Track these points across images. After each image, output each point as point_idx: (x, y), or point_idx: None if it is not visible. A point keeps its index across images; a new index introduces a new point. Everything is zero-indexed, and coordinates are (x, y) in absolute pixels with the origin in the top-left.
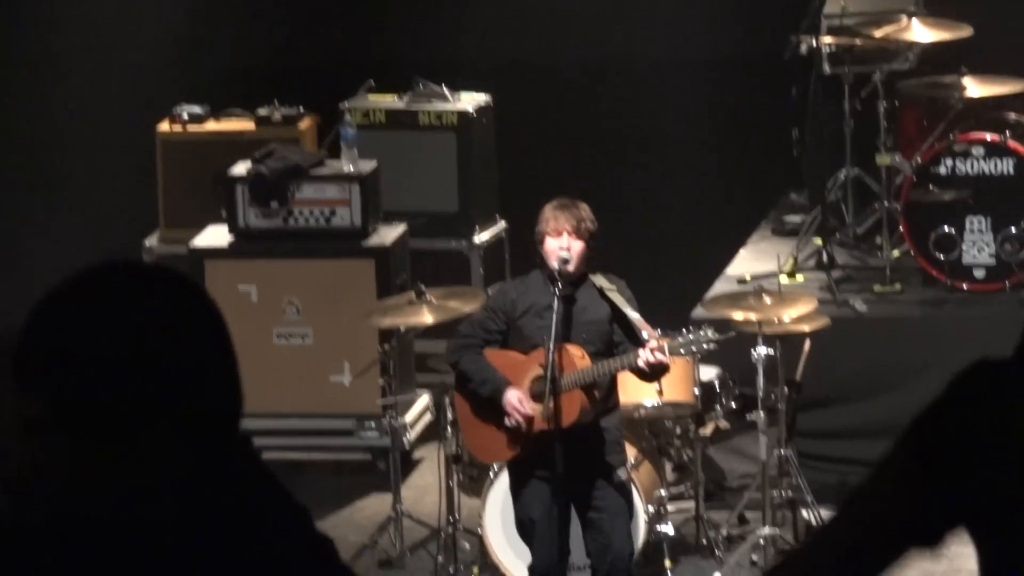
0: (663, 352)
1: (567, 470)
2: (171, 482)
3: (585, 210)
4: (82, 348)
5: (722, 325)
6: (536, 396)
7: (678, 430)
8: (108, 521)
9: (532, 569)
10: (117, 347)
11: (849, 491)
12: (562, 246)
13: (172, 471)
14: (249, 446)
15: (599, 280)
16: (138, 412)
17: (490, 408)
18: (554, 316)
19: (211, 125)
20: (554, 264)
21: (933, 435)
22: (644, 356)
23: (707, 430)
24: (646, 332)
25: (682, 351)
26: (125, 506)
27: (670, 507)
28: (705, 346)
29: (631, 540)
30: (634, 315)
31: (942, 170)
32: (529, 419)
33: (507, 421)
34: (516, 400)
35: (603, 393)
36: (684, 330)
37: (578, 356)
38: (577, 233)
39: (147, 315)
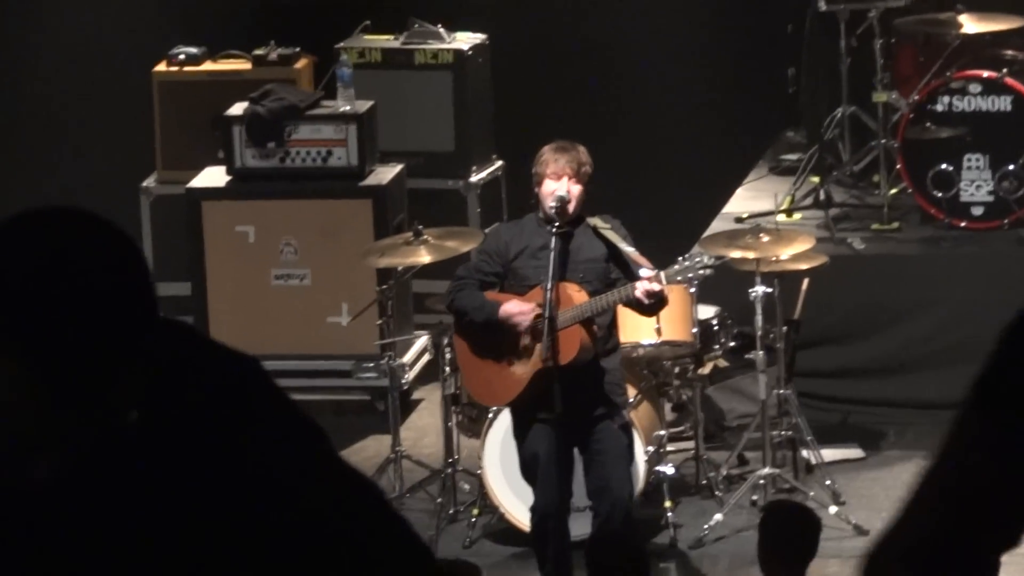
0: (660, 282)
1: (568, 411)
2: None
3: (584, 153)
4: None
5: (721, 269)
6: (534, 335)
7: (677, 369)
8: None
9: (534, 509)
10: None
11: (924, 475)
12: (560, 189)
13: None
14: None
15: (594, 220)
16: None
17: (491, 350)
18: (551, 255)
19: (207, 66)
20: (550, 204)
21: (1006, 392)
22: (641, 287)
23: (706, 369)
24: (643, 265)
25: (679, 278)
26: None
27: (669, 447)
28: (701, 271)
29: (631, 481)
30: (629, 249)
31: (939, 107)
32: (538, 314)
33: (519, 324)
34: (515, 306)
35: (602, 331)
36: (680, 258)
37: (575, 291)
38: (577, 176)
39: (57, 252)
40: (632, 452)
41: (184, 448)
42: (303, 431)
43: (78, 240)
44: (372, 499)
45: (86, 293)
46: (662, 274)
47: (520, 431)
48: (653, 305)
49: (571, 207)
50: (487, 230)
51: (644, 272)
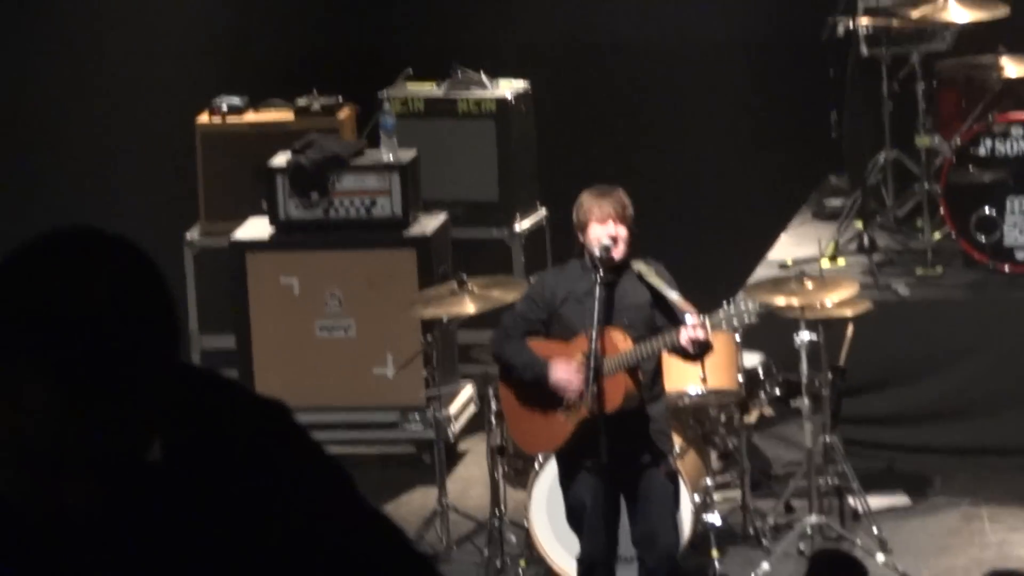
0: (705, 328)
1: (614, 459)
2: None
3: (624, 196)
4: (13, 318)
5: (766, 316)
6: (580, 394)
7: (723, 418)
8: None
9: (581, 559)
10: (50, 315)
11: None
12: (608, 233)
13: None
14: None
15: (638, 265)
16: (79, 379)
17: (536, 398)
18: (596, 302)
19: (250, 116)
20: (596, 251)
21: None
22: (686, 333)
23: (752, 417)
24: (688, 311)
25: (724, 325)
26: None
27: (716, 496)
28: (746, 318)
29: (678, 530)
30: (674, 295)
31: (981, 151)
32: (582, 390)
33: (567, 397)
34: (563, 371)
35: (648, 378)
36: (724, 304)
37: (620, 339)
38: (622, 219)
39: (77, 280)
40: (678, 500)
41: (205, 491)
42: (327, 475)
43: (97, 261)
44: (397, 542)
45: (109, 314)
46: (707, 320)
47: (566, 479)
48: (698, 352)
49: (618, 251)
50: (531, 278)
51: (689, 319)
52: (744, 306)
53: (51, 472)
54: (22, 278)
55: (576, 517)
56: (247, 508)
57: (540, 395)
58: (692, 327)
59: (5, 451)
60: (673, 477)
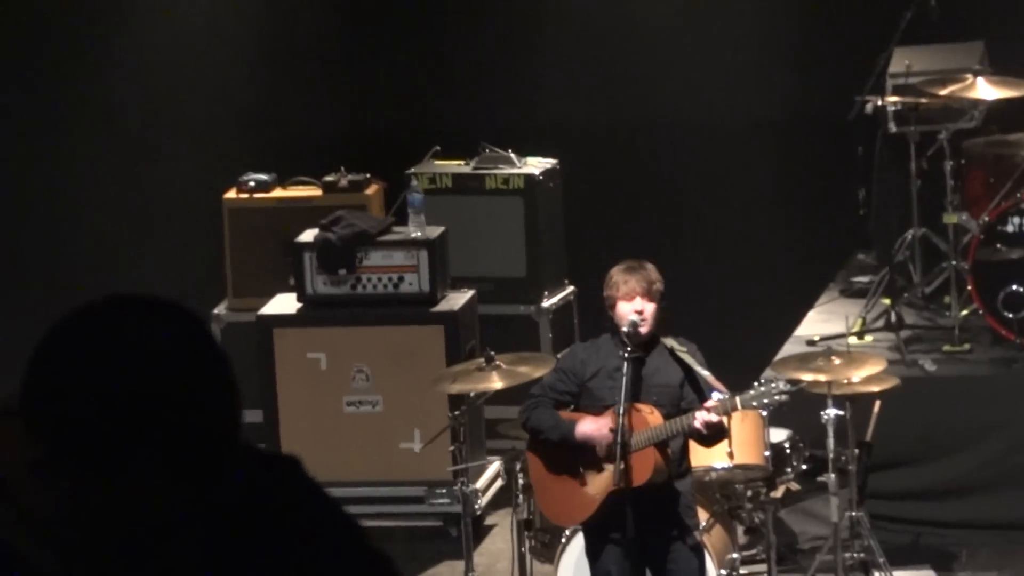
0: (720, 412)
1: (641, 533)
2: (173, 512)
3: (653, 271)
4: (78, 386)
5: (794, 392)
6: (608, 457)
7: (749, 493)
8: (116, 555)
9: None
10: (112, 383)
11: None
12: (636, 309)
13: (172, 502)
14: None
15: (671, 342)
16: (134, 446)
17: (565, 468)
18: (624, 378)
19: (277, 192)
20: (625, 327)
21: None
22: (700, 417)
23: (778, 493)
24: (717, 389)
25: (754, 403)
26: (132, 539)
27: (742, 571)
28: (777, 398)
29: None
30: (705, 373)
31: (1009, 228)
32: (611, 440)
33: (597, 447)
34: (591, 427)
35: (676, 454)
36: (755, 383)
37: (649, 414)
38: (649, 295)
39: (140, 349)
40: (704, 572)
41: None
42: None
43: (159, 329)
44: None
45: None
46: (737, 399)
47: (593, 551)
48: (712, 436)
49: (645, 328)
50: (559, 355)
51: (716, 396)
52: (776, 385)
53: (147, 542)
54: (55, 349)
55: None
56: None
57: (569, 465)
58: (706, 410)
59: (105, 521)
60: (698, 551)
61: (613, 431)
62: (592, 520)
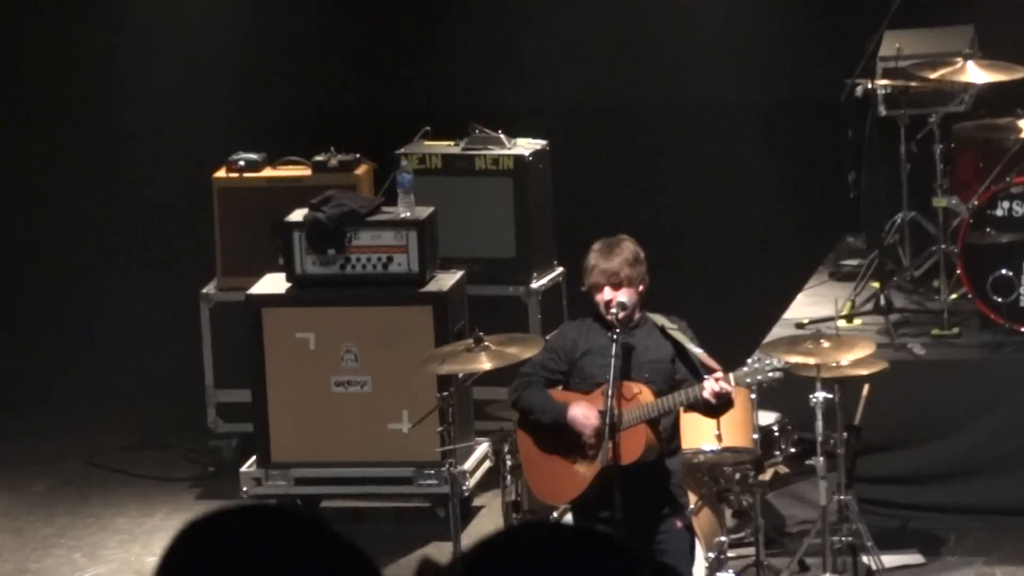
0: (728, 382)
1: (631, 513)
2: None
3: (629, 249)
4: None
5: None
6: (600, 435)
7: (737, 476)
8: None
9: None
10: None
11: None
12: (615, 299)
13: None
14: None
15: (659, 319)
16: None
17: (555, 447)
18: (612, 359)
19: (267, 172)
20: (608, 314)
21: None
22: (709, 386)
23: (766, 476)
24: (712, 367)
25: (748, 380)
26: None
27: (730, 553)
28: (771, 375)
29: None
30: (698, 351)
31: (999, 212)
32: (598, 426)
33: (584, 438)
34: (581, 414)
35: (667, 432)
36: (749, 360)
37: (639, 392)
38: (628, 280)
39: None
40: (693, 555)
41: None
42: None
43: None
44: None
45: None
46: (731, 376)
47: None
48: (720, 406)
49: (624, 314)
50: (548, 336)
51: (713, 372)
52: (769, 363)
53: None
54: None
55: None
56: None
57: (559, 444)
58: (715, 380)
59: None
60: (689, 529)
61: (601, 421)
62: (581, 499)
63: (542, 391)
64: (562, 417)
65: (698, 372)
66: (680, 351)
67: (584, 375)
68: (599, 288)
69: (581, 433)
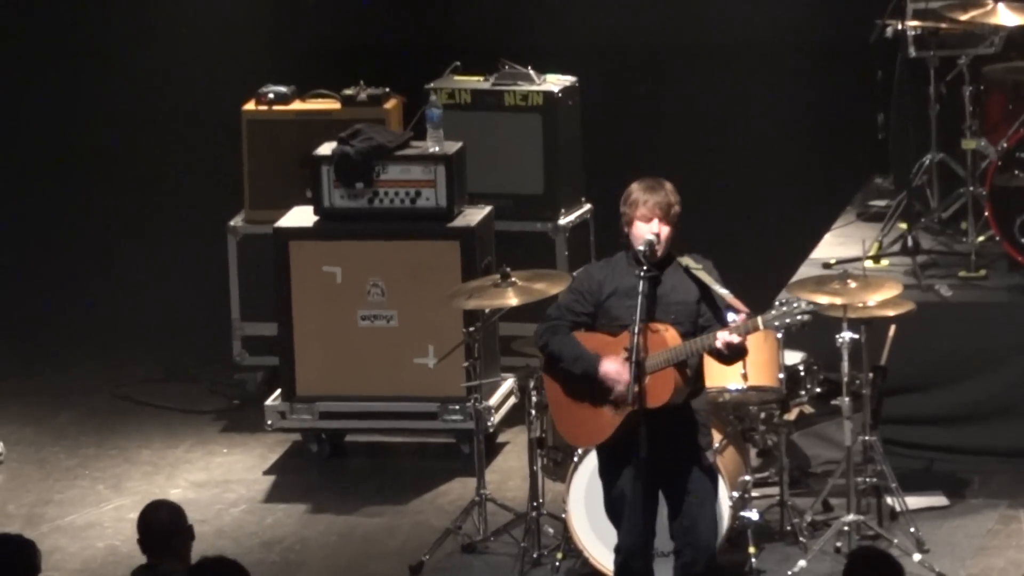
0: (742, 333)
1: (656, 452)
2: None
3: (672, 192)
4: None
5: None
6: (625, 399)
7: (763, 415)
8: None
9: (618, 548)
10: None
11: None
12: (652, 231)
13: None
14: None
15: (686, 260)
16: None
17: (583, 392)
18: (639, 297)
19: (296, 105)
20: (641, 246)
21: None
22: (721, 337)
23: (791, 415)
24: (737, 308)
25: (776, 323)
26: None
27: (754, 493)
28: (799, 318)
29: (716, 524)
30: (724, 292)
31: None
32: (629, 385)
33: (614, 394)
34: (614, 370)
35: (693, 372)
36: (777, 303)
37: (668, 334)
38: (667, 218)
39: None
40: (717, 494)
41: None
42: None
43: None
44: None
45: None
46: (759, 319)
47: (608, 471)
48: (732, 356)
49: (660, 249)
50: (575, 272)
51: (732, 317)
52: (798, 305)
53: None
54: None
55: (615, 508)
56: None
57: (587, 389)
58: (729, 331)
59: None
60: (711, 471)
61: (628, 349)
62: (610, 441)
63: (570, 338)
64: (593, 370)
65: (721, 314)
66: (705, 292)
67: (611, 316)
68: (639, 219)
69: (612, 388)
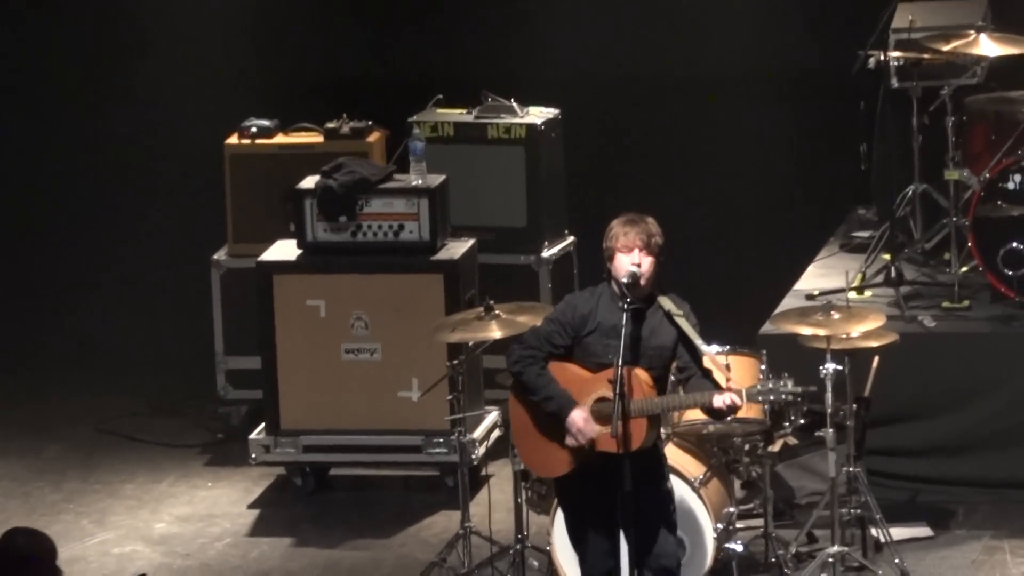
0: (740, 397)
1: (613, 482)
2: None
3: (653, 225)
4: None
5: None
6: (602, 418)
7: (747, 447)
8: None
9: None
10: None
11: None
12: (633, 262)
13: None
14: None
15: (667, 303)
16: None
17: (546, 424)
18: (623, 336)
19: (279, 139)
20: (623, 279)
21: None
22: (720, 399)
23: (776, 447)
24: (721, 372)
25: (760, 399)
26: None
27: (739, 524)
28: (784, 397)
29: (678, 551)
30: (706, 348)
31: (1010, 185)
32: (591, 442)
33: (568, 440)
34: (581, 421)
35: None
36: (762, 377)
37: (646, 383)
38: (648, 249)
39: None
40: (675, 520)
41: None
42: None
43: None
44: None
45: None
46: (743, 391)
47: (567, 498)
48: (723, 415)
49: (643, 280)
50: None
51: (722, 383)
52: (784, 384)
53: None
54: None
55: (577, 539)
56: None
57: (549, 424)
58: (728, 394)
59: None
60: (670, 495)
61: (611, 382)
62: (563, 479)
63: (546, 373)
64: (563, 414)
65: (698, 358)
66: (683, 338)
67: (588, 352)
68: (620, 250)
69: (575, 436)
